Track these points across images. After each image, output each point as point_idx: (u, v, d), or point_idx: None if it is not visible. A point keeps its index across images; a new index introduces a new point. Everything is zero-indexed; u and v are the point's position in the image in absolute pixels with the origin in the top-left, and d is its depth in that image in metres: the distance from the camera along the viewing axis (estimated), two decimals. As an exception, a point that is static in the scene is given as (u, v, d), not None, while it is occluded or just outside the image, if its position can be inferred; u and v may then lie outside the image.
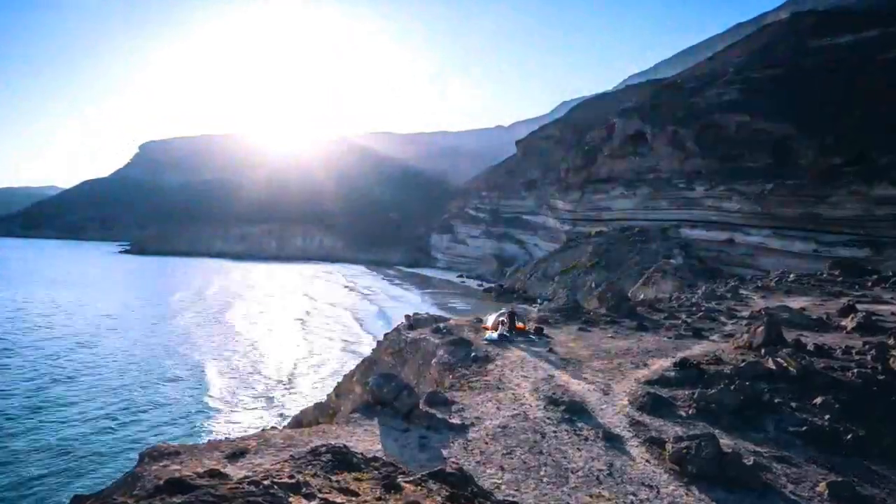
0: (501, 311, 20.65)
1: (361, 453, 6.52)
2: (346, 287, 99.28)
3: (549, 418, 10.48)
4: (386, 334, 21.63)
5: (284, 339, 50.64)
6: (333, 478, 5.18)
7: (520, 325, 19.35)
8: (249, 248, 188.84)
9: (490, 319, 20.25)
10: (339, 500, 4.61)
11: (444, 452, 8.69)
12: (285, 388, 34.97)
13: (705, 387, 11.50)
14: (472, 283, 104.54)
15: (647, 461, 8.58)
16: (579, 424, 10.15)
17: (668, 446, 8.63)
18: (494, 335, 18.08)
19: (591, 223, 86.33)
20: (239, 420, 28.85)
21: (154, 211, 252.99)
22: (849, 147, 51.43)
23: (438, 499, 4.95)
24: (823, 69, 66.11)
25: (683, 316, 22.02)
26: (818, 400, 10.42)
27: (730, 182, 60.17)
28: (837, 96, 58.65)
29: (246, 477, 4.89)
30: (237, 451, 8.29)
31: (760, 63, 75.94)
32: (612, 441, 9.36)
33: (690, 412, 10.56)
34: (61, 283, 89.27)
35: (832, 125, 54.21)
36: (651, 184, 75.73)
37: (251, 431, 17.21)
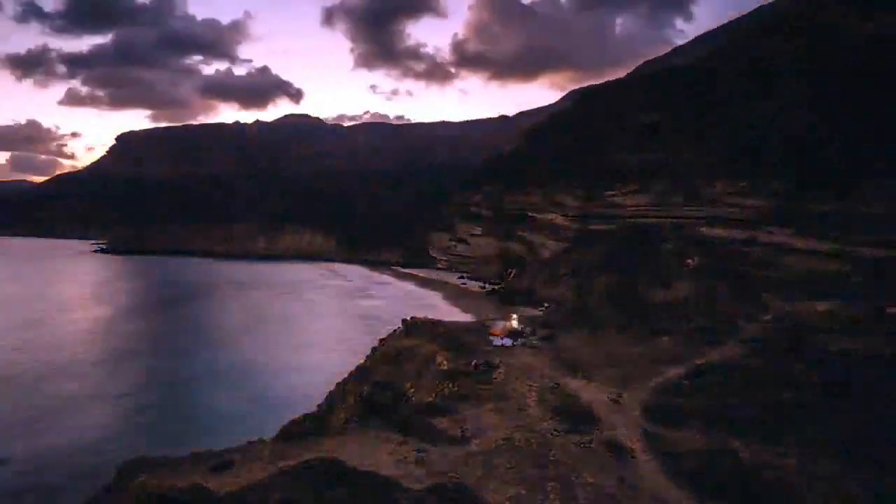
0: (510, 315, 20.77)
1: (355, 467, 6.54)
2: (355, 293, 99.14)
3: (555, 429, 10.50)
4: (381, 340, 21.64)
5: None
6: (326, 494, 5.20)
7: (528, 329, 19.45)
8: (235, 248, 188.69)
9: (493, 324, 20.34)
10: (331, 516, 4.62)
11: (444, 466, 8.71)
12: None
13: (724, 395, 11.51)
14: (474, 285, 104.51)
15: (660, 475, 8.59)
16: (588, 436, 10.17)
17: (683, 459, 8.65)
18: (498, 340, 18.15)
19: (601, 221, 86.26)
20: (226, 428, 28.77)
21: (132, 207, 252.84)
22: (878, 139, 51.33)
23: (437, 515, 4.97)
24: (850, 56, 66.02)
25: (701, 319, 22.06)
26: (845, 409, 10.44)
27: (751, 177, 60.07)
28: (866, 85, 58.58)
29: (231, 492, 4.91)
30: (222, 464, 8.32)
31: (783, 51, 75.81)
32: (623, 454, 9.38)
33: (707, 423, 10.57)
34: None
35: (860, 116, 54.12)
36: (666, 179, 75.64)
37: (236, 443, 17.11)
